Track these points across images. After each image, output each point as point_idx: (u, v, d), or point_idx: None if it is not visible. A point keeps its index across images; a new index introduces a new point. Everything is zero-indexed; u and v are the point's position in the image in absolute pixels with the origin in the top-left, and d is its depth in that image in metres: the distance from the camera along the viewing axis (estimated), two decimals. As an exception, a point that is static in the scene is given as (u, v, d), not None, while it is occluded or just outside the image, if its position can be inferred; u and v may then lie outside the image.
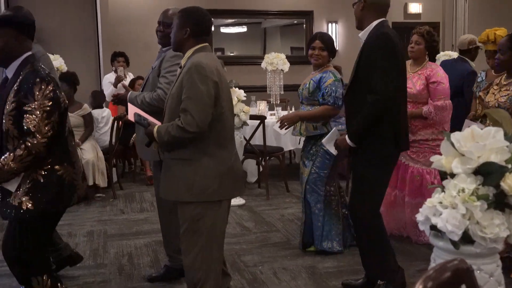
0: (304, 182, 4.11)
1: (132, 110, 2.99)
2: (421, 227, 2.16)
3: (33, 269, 2.79)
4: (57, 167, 2.69)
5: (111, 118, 6.27)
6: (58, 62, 6.67)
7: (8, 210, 2.66)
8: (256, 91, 8.10)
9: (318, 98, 4.00)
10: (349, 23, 10.01)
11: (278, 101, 7.39)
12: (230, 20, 10.00)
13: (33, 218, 2.67)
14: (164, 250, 3.87)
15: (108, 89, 7.07)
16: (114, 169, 6.42)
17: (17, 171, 2.59)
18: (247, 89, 7.38)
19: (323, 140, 3.67)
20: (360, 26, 3.25)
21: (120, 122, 6.18)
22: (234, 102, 5.38)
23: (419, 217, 2.15)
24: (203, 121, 2.64)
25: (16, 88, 2.61)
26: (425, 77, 4.19)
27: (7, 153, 2.59)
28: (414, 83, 4.20)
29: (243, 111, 5.66)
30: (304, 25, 10.12)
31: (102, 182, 5.87)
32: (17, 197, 2.64)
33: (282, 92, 7.48)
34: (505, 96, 3.61)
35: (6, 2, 8.05)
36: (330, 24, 10.10)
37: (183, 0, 8.90)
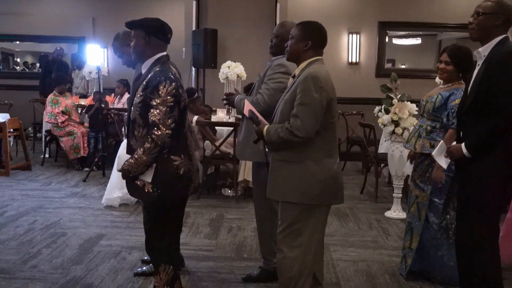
0: (423, 207, 3.82)
1: (248, 107, 3.17)
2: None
3: (160, 255, 3.13)
4: (173, 157, 2.96)
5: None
6: (238, 69, 7.23)
7: (136, 191, 3.02)
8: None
9: (442, 117, 3.72)
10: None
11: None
12: (403, 32, 9.90)
13: (153, 202, 3.00)
14: (260, 251, 4.01)
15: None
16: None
17: (149, 162, 2.91)
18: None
19: (433, 153, 3.41)
20: (480, 40, 2.99)
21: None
22: (405, 116, 5.36)
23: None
24: (311, 128, 2.77)
25: (144, 83, 2.94)
26: None
27: (138, 149, 2.92)
28: None
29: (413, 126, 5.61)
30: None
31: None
32: (142, 181, 2.98)
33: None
34: None
35: (197, 20, 8.92)
36: (514, 38, 9.45)
37: (362, 11, 9.30)
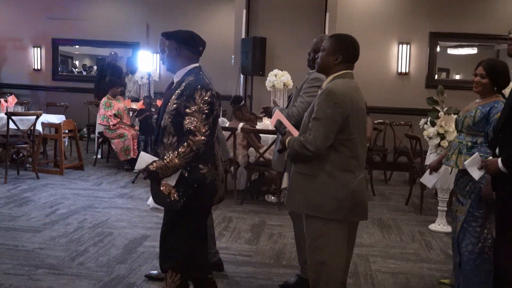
0: (460, 221, 3.72)
1: (276, 117, 3.19)
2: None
3: (173, 261, 3.08)
4: (201, 166, 2.96)
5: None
6: (285, 78, 7.31)
7: (160, 199, 2.98)
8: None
9: (487, 131, 3.61)
10: None
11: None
12: (455, 43, 9.72)
13: (179, 209, 2.95)
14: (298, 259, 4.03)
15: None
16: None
17: (180, 166, 2.89)
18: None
19: (466, 162, 3.34)
20: None
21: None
22: (451, 129, 5.28)
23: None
24: (322, 143, 2.77)
25: (179, 91, 2.97)
26: None
27: (170, 152, 2.90)
28: None
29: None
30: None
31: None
32: (167, 188, 2.95)
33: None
34: None
35: (247, 28, 9.04)
36: None
37: (413, 21, 9.20)
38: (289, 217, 5.74)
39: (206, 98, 2.94)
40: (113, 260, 4.28)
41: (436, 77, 9.49)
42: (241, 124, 6.34)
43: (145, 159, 2.99)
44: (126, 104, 8.58)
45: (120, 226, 5.19)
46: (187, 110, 2.91)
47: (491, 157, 3.12)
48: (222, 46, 10.05)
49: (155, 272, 3.95)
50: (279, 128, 3.10)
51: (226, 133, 6.36)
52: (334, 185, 2.85)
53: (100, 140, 8.51)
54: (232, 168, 6.46)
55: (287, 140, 2.96)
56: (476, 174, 3.28)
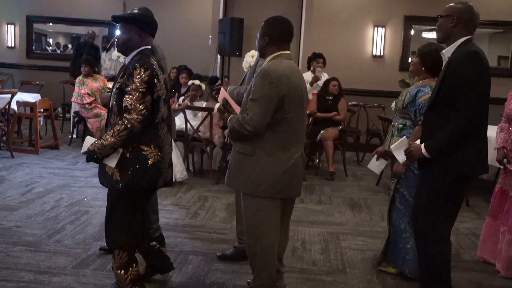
0: (390, 199, 3.91)
1: (222, 95, 3.27)
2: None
3: (117, 241, 3.08)
4: (143, 146, 2.95)
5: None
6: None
7: (105, 178, 3.00)
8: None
9: (411, 114, 3.73)
10: None
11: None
12: (430, 27, 9.88)
13: (120, 189, 2.96)
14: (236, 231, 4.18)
15: (303, 87, 7.59)
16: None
17: (115, 145, 2.88)
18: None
19: (392, 146, 3.44)
20: (444, 41, 3.13)
21: (310, 118, 6.64)
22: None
23: None
24: (259, 123, 2.86)
25: (122, 72, 2.98)
26: None
27: (108, 131, 2.92)
28: None
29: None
30: (512, 36, 9.58)
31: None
32: (110, 169, 2.96)
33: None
34: None
35: (225, 9, 9.05)
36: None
37: (388, 4, 9.31)
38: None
39: (145, 77, 2.90)
40: (90, 237, 4.35)
41: (410, 60, 9.66)
42: (217, 105, 6.40)
43: (88, 141, 3.03)
44: (103, 83, 8.54)
45: (96, 205, 5.25)
46: (127, 88, 2.90)
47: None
48: (201, 26, 10.07)
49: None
50: (226, 106, 3.19)
51: (203, 113, 6.43)
52: (271, 163, 2.96)
53: (76, 119, 8.48)
54: (208, 148, 6.54)
55: (230, 116, 3.04)
56: (401, 157, 3.35)
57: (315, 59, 7.71)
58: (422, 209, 3.18)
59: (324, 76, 7.71)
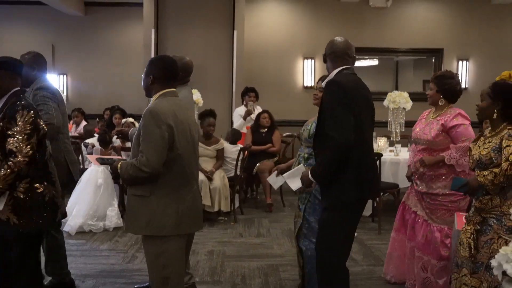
0: (298, 227, 3.91)
1: (93, 158, 3.34)
2: (495, 272, 2.31)
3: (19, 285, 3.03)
4: (37, 185, 2.98)
5: (239, 148, 6.80)
6: (196, 95, 7.45)
7: (1, 226, 2.93)
8: (378, 126, 8.24)
9: None
10: (481, 60, 9.88)
11: (399, 138, 7.44)
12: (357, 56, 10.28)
13: (21, 234, 2.94)
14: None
15: (237, 121, 7.72)
16: (237, 196, 6.92)
17: (2, 189, 2.86)
18: (369, 125, 7.59)
19: (284, 175, 3.55)
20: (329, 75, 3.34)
21: (246, 152, 6.72)
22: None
23: (493, 262, 2.30)
24: (157, 162, 2.84)
25: (1, 116, 2.94)
26: (441, 124, 4.00)
27: None
28: (431, 129, 4.05)
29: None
30: (433, 62, 10.10)
31: (225, 207, 6.43)
32: (5, 214, 2.91)
33: (403, 130, 7.54)
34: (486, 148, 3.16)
35: (156, 47, 9.09)
36: (460, 62, 9.98)
37: (317, 37, 9.63)
38: (202, 234, 5.87)
39: (29, 118, 2.92)
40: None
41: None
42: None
43: None
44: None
45: None
46: (9, 132, 2.89)
47: None
48: (133, 66, 10.01)
49: None
50: (105, 162, 3.20)
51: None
52: (171, 201, 2.97)
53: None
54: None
55: (119, 165, 2.98)
56: (294, 185, 3.46)
57: (247, 94, 7.87)
58: (318, 241, 3.28)
59: (258, 110, 7.85)
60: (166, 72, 3.07)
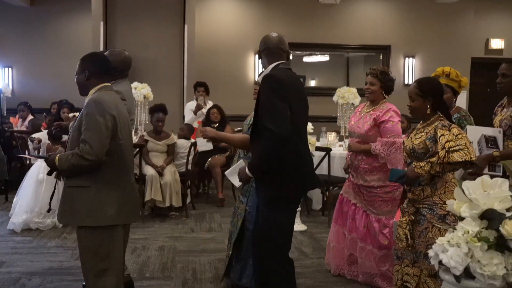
0: (241, 218, 3.91)
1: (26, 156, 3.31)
2: (432, 262, 2.43)
3: None
4: None
5: (190, 143, 6.79)
6: (145, 90, 7.37)
7: None
8: (327, 121, 8.44)
9: None
10: (427, 57, 10.20)
11: (347, 133, 7.57)
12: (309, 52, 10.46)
13: None
14: None
15: (188, 116, 7.72)
16: (189, 191, 6.93)
17: None
18: (319, 119, 7.76)
19: (226, 172, 3.62)
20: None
21: (197, 147, 6.73)
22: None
23: (431, 252, 2.42)
24: (100, 150, 2.87)
25: None
26: (373, 118, 4.15)
27: None
28: (364, 123, 4.19)
29: (310, 143, 5.98)
30: (381, 59, 10.37)
31: (176, 202, 6.42)
32: None
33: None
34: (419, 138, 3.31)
35: (105, 40, 8.96)
36: (407, 59, 10.29)
37: (268, 32, 9.65)
38: (153, 230, 5.86)
39: None
40: (-36, 291, 4.09)
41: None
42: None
43: None
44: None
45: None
46: None
47: None
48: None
49: None
50: (40, 157, 3.16)
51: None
52: (112, 191, 2.98)
53: None
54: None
55: (56, 158, 2.95)
56: (236, 182, 3.49)
57: (197, 88, 7.88)
58: (259, 235, 3.28)
59: (209, 104, 7.86)
60: (101, 67, 3.10)
